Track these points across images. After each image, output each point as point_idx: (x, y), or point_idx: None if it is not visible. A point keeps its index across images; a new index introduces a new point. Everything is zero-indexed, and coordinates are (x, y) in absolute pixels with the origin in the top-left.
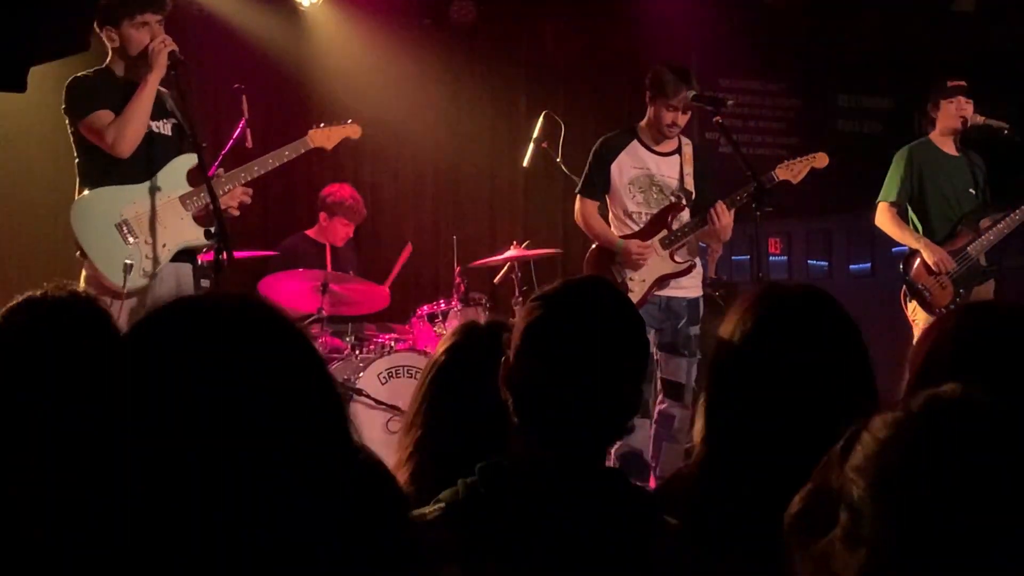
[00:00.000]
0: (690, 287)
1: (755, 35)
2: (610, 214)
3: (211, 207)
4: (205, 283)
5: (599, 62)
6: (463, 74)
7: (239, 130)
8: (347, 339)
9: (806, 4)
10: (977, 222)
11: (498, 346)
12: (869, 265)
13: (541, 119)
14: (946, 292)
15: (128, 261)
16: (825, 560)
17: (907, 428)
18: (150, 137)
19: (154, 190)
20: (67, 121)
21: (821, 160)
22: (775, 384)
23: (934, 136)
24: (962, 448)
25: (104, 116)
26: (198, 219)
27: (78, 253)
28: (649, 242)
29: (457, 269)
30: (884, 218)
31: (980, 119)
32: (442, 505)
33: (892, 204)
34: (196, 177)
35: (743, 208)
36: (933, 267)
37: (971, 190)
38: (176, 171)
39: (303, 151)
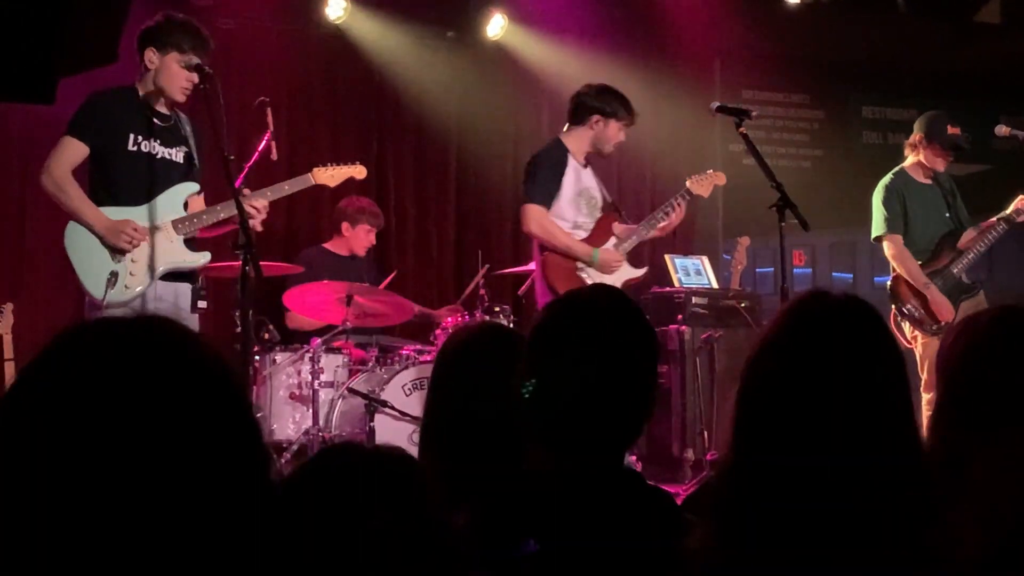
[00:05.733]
0: None
1: (778, 46)
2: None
3: (219, 230)
4: (202, 305)
5: (622, 74)
6: (487, 87)
7: (264, 143)
8: (371, 351)
9: (829, 14)
10: (956, 242)
11: (493, 348)
12: None
13: None
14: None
15: (110, 276)
16: None
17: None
18: (161, 163)
19: (150, 213)
20: None
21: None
22: (808, 391)
23: (910, 167)
24: None
25: (75, 148)
26: (191, 243)
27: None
28: (619, 252)
29: (481, 281)
30: (899, 252)
31: (1006, 130)
32: (466, 519)
33: (897, 234)
34: (193, 203)
35: (767, 220)
36: (938, 317)
37: (946, 214)
38: (175, 197)
39: (303, 187)
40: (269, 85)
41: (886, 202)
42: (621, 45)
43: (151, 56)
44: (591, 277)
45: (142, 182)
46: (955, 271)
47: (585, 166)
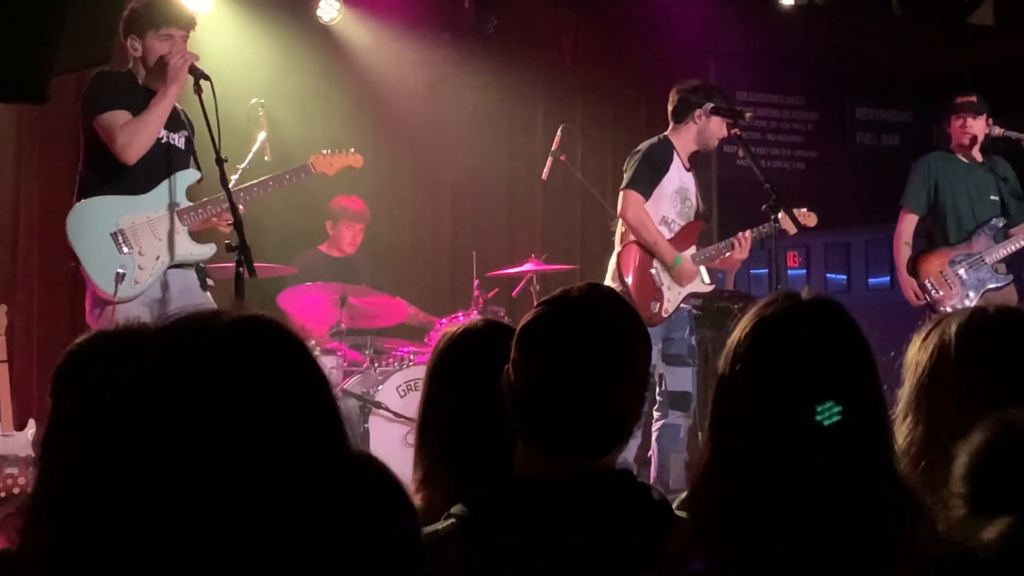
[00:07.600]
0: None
1: (772, 48)
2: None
3: (211, 222)
4: (211, 282)
5: (617, 75)
6: (480, 87)
7: (258, 143)
8: (366, 352)
9: (823, 16)
10: (1001, 229)
11: (493, 345)
12: (888, 279)
13: (559, 132)
14: (952, 292)
15: (120, 270)
16: None
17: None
18: (161, 147)
19: (153, 202)
20: (80, 118)
21: None
22: (773, 395)
23: (954, 147)
24: None
25: (120, 116)
26: (195, 234)
27: (72, 263)
28: (696, 264)
29: (476, 282)
30: (899, 229)
31: (999, 131)
32: (453, 520)
33: (911, 211)
34: (196, 193)
35: (761, 221)
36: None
37: (993, 197)
38: (178, 186)
39: (304, 176)
40: (264, 87)
41: (911, 175)
42: (615, 46)
43: (133, 44)
44: (661, 279)
45: (141, 169)
46: (986, 258)
47: (689, 170)
